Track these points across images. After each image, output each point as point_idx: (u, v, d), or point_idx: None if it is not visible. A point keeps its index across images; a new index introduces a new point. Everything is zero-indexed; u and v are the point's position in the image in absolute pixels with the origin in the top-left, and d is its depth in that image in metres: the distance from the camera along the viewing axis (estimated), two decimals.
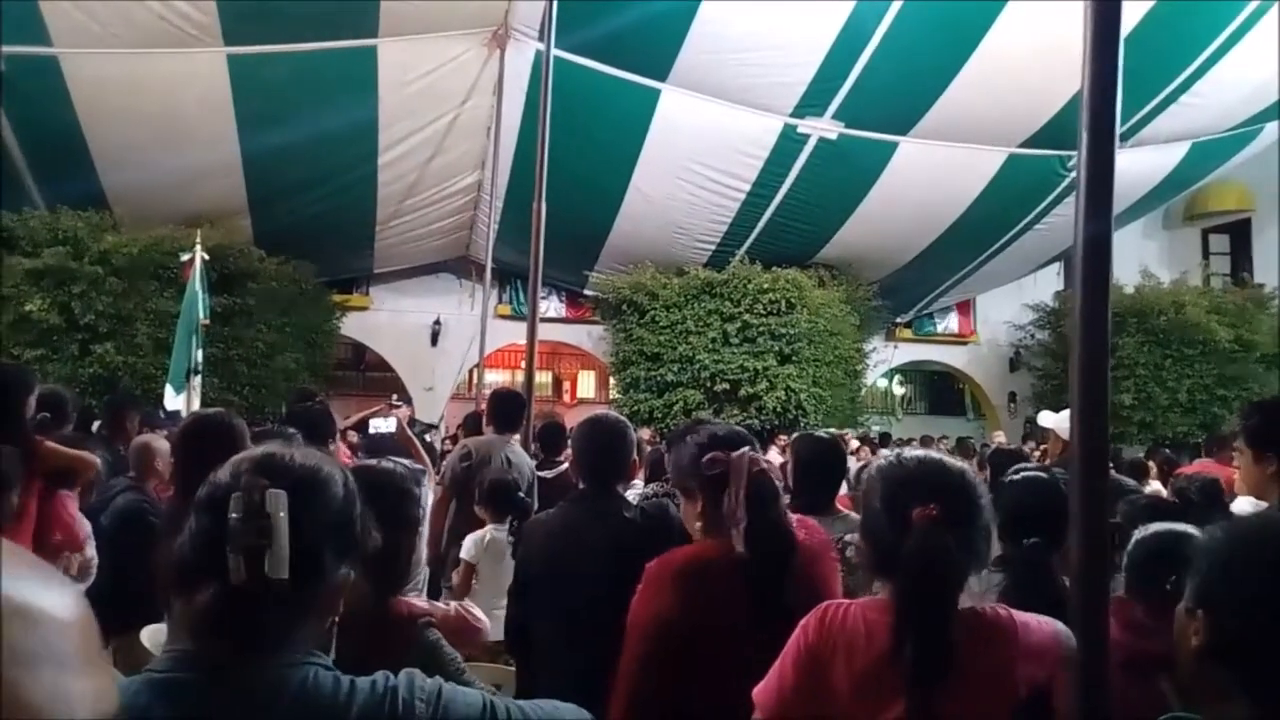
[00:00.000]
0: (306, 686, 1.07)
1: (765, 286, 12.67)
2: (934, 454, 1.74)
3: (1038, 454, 9.21)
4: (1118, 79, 1.55)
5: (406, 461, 2.06)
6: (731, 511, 1.91)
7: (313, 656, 1.11)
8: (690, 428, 2.32)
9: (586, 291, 14.96)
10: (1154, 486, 6.03)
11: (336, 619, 1.20)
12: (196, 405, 7.27)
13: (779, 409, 12.29)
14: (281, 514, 1.05)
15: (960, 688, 1.50)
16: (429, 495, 2.04)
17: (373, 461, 2.03)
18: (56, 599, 0.60)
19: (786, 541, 1.93)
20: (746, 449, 2.00)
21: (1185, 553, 1.96)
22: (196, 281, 7.76)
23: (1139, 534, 2.05)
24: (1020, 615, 1.63)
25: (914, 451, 1.77)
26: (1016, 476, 3.07)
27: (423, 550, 4.14)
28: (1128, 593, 1.88)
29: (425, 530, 4.17)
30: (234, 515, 1.04)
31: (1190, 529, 2.03)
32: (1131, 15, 9.10)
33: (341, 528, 1.16)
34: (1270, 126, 12.49)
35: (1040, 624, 1.63)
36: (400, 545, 1.90)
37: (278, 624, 1.08)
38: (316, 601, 1.13)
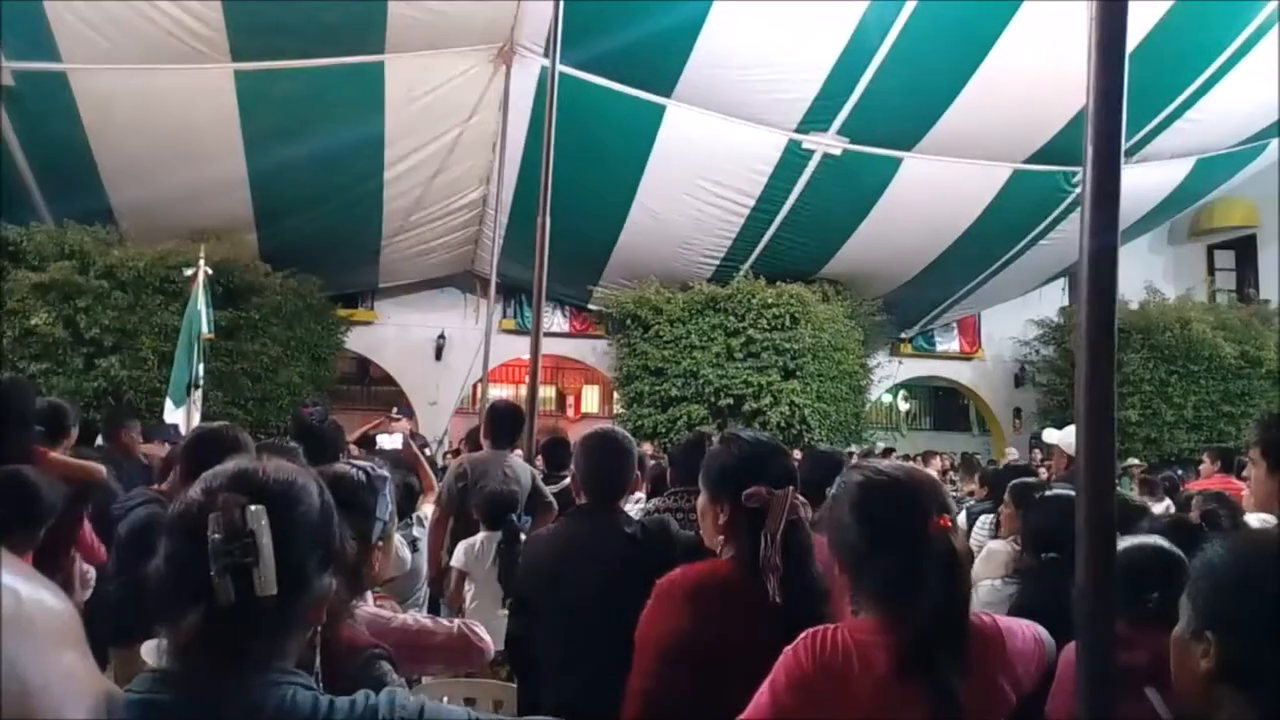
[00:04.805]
0: (284, 706, 1.06)
1: (769, 301, 12.68)
2: (904, 464, 1.72)
3: (1044, 470, 9.19)
4: (1123, 91, 1.54)
5: (367, 464, 1.96)
6: (770, 560, 1.89)
7: (294, 675, 1.10)
8: (704, 436, 2.31)
9: (591, 306, 14.98)
10: (1165, 504, 6.01)
11: (320, 629, 1.19)
12: (196, 419, 7.27)
13: (783, 424, 12.25)
14: (264, 530, 1.04)
15: (964, 699, 1.50)
16: (389, 504, 1.94)
17: (327, 466, 1.91)
18: (47, 593, 0.83)
19: (823, 599, 1.92)
20: (789, 490, 1.96)
21: (1161, 565, 1.97)
22: (199, 296, 7.79)
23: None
24: (1003, 620, 1.65)
25: (886, 463, 1.73)
26: (1045, 494, 3.08)
27: (423, 567, 4.12)
28: None
29: (424, 549, 4.15)
30: (216, 536, 1.02)
31: (1164, 543, 2.07)
32: (1136, 32, 9.12)
33: (321, 537, 1.16)
34: (1275, 143, 12.49)
35: (1023, 628, 1.66)
36: (354, 560, 1.73)
37: (266, 640, 1.08)
38: (301, 614, 1.13)
